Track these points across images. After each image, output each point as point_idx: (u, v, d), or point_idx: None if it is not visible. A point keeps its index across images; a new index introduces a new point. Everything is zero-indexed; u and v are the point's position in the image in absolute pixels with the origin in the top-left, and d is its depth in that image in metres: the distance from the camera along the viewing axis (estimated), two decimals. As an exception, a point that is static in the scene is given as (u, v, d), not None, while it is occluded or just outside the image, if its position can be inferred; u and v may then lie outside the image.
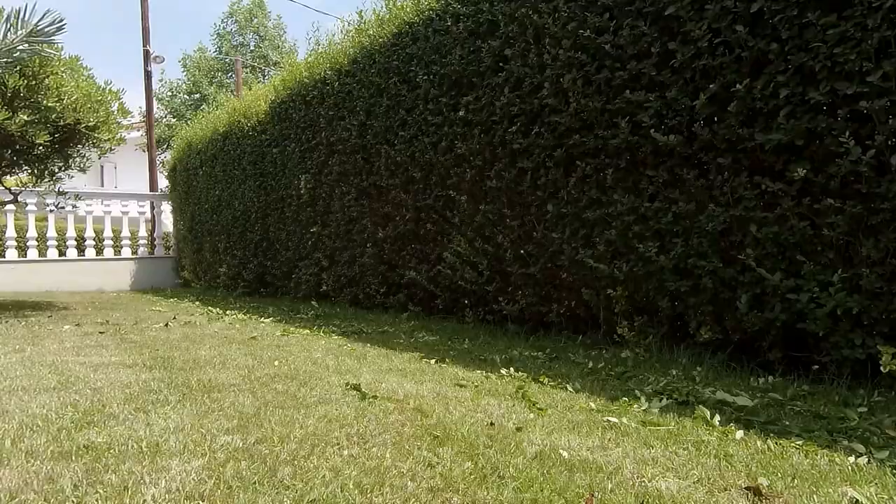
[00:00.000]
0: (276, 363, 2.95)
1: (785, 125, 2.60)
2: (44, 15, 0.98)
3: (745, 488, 1.44)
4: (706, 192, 2.97)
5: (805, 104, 2.56)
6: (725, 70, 2.81)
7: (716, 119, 2.91)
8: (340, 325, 4.55)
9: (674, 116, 3.05)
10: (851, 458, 1.65)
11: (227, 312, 5.58)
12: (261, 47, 27.97)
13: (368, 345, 3.64)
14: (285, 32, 29.43)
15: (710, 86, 2.85)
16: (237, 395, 2.26)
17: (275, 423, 1.90)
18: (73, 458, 1.58)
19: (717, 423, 1.96)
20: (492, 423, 1.93)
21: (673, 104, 3.04)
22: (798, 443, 1.78)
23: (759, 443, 1.78)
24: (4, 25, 0.97)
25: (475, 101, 4.29)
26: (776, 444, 1.77)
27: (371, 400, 2.22)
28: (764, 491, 1.42)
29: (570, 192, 3.67)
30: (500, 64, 4.09)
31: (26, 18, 1.00)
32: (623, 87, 3.29)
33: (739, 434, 1.86)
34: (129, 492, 1.37)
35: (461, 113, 4.38)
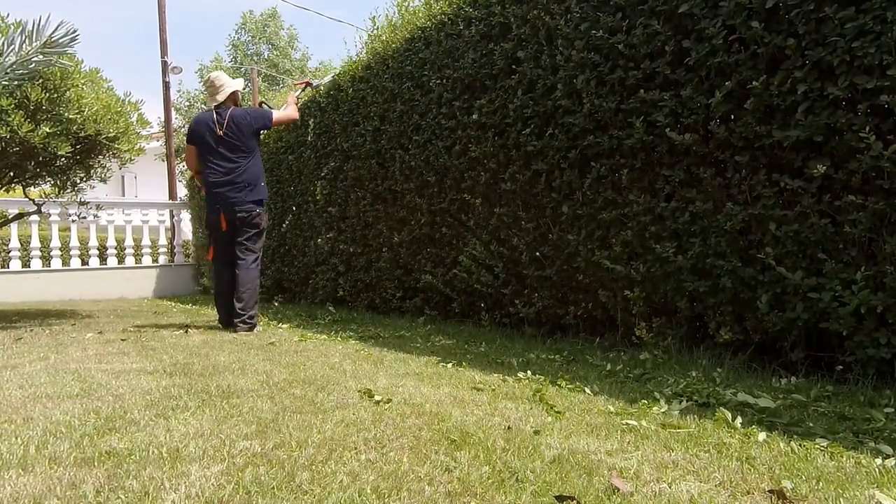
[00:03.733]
0: (294, 368, 2.97)
1: (803, 121, 2.56)
2: (58, 26, 0.99)
3: (769, 491, 1.41)
4: (724, 191, 2.94)
5: (824, 99, 2.52)
6: (741, 67, 2.78)
7: (732, 117, 2.88)
8: (357, 330, 4.56)
9: (689, 115, 3.02)
10: (878, 460, 1.61)
11: (246, 318, 5.61)
12: (272, 56, 28.29)
13: (385, 349, 3.65)
14: (297, 41, 29.77)
15: (726, 83, 2.82)
16: (255, 401, 2.28)
17: (293, 428, 1.91)
18: (96, 464, 1.60)
19: (739, 425, 1.93)
20: (509, 427, 1.92)
21: (688, 103, 3.01)
22: (822, 445, 1.74)
23: (782, 445, 1.75)
24: (20, 37, 0.99)
25: (488, 103, 4.29)
26: (800, 446, 1.74)
27: (388, 404, 2.22)
28: (788, 494, 1.39)
29: (585, 194, 3.64)
30: (513, 66, 4.09)
31: (41, 30, 1.01)
32: (637, 86, 3.26)
33: (762, 436, 1.83)
34: (150, 497, 1.39)
35: (474, 116, 4.38)
